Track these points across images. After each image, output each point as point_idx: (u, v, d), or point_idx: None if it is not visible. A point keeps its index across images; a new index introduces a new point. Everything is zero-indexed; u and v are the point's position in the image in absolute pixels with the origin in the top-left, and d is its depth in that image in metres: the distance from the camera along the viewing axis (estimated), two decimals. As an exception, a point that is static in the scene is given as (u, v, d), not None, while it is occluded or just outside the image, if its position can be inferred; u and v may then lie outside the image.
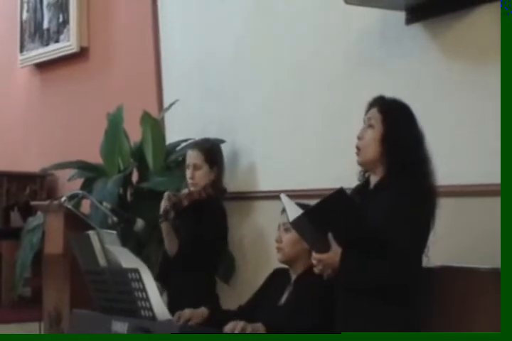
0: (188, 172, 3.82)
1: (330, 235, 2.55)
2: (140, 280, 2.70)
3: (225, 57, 4.66)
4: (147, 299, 2.70)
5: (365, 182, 2.79)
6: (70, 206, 3.77)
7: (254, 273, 4.17)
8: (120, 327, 2.78)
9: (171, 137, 4.86)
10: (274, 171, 4.23)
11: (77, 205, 4.27)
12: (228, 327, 2.81)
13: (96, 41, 6.20)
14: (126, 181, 4.66)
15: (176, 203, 3.70)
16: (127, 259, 2.81)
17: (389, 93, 2.79)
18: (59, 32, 6.50)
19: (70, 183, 5.17)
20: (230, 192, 4.03)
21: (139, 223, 3.68)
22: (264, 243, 4.18)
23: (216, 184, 3.82)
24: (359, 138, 2.75)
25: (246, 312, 3.08)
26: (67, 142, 6.28)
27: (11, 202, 6.39)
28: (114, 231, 3.12)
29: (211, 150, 3.89)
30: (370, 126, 2.73)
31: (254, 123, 4.41)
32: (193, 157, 3.83)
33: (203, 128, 4.66)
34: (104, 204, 3.70)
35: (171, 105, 4.85)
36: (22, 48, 6.99)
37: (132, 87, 5.58)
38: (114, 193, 4.38)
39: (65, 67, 6.52)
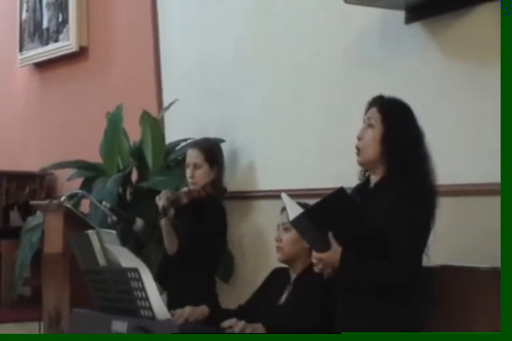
0: (188, 172, 3.82)
1: (330, 234, 2.55)
2: (139, 279, 2.69)
3: (225, 57, 4.66)
4: (147, 298, 2.70)
5: (366, 182, 2.79)
6: (69, 205, 3.76)
7: (253, 272, 4.17)
8: (120, 326, 2.77)
9: (171, 136, 4.86)
10: (274, 171, 4.23)
11: (77, 205, 4.27)
12: (227, 322, 2.81)
13: (95, 41, 6.20)
14: (125, 180, 4.66)
15: (174, 200, 3.70)
16: (127, 259, 2.81)
17: (389, 93, 2.79)
18: (58, 31, 6.50)
19: (69, 183, 5.17)
20: (230, 191, 4.04)
21: (139, 222, 3.67)
22: (263, 242, 4.18)
23: (216, 183, 3.83)
24: (359, 138, 2.75)
25: (246, 312, 3.08)
26: (67, 141, 6.28)
27: (10, 201, 6.39)
28: (114, 231, 3.11)
29: (211, 150, 3.90)
30: (370, 126, 2.73)
31: (254, 123, 4.41)
32: (193, 156, 3.83)
33: (203, 128, 4.66)
34: (104, 203, 3.69)
35: (170, 104, 4.85)
36: (21, 48, 6.99)
37: (132, 86, 5.58)
38: (113, 193, 4.38)
39: (65, 67, 6.52)
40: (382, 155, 2.70)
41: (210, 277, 3.79)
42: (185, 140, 4.65)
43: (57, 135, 6.47)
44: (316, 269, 2.63)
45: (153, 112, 4.88)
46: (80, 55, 6.29)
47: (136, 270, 2.70)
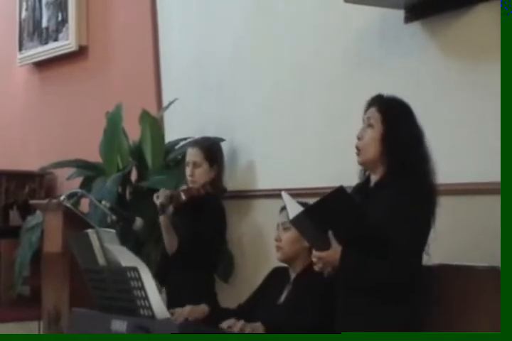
0: (188, 170, 3.82)
1: (330, 233, 2.55)
2: (139, 278, 2.69)
3: (225, 56, 4.66)
4: (146, 298, 2.70)
5: (366, 181, 2.79)
6: (69, 205, 3.76)
7: (253, 271, 4.17)
8: (119, 325, 2.77)
9: (170, 136, 4.86)
10: (274, 170, 4.23)
11: (76, 204, 4.27)
12: (225, 323, 2.81)
13: (95, 40, 6.20)
14: (125, 180, 4.66)
15: (172, 197, 3.70)
16: (126, 258, 2.81)
17: (389, 92, 2.79)
18: (58, 30, 6.50)
19: (69, 182, 5.17)
20: (229, 190, 4.03)
21: (138, 222, 3.67)
22: (263, 241, 4.18)
23: (216, 182, 3.83)
24: (359, 138, 2.75)
25: (245, 311, 3.08)
26: (66, 141, 6.28)
27: (9, 200, 6.39)
28: (113, 230, 3.11)
29: (211, 149, 3.90)
30: (370, 125, 2.73)
31: (254, 122, 4.41)
32: (193, 155, 3.83)
33: (202, 127, 4.65)
34: (103, 202, 3.69)
35: (170, 104, 4.85)
36: (21, 47, 6.98)
37: (131, 85, 5.57)
38: (113, 192, 4.38)
39: (64, 66, 6.51)
40: (382, 155, 2.70)
41: (209, 276, 3.79)
42: (184, 139, 4.65)
43: (56, 134, 6.47)
44: (316, 268, 2.63)
45: (153, 111, 4.88)
46: (79, 54, 6.28)
47: (135, 269, 2.69)
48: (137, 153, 4.74)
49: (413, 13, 3.42)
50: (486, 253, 2.88)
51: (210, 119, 4.69)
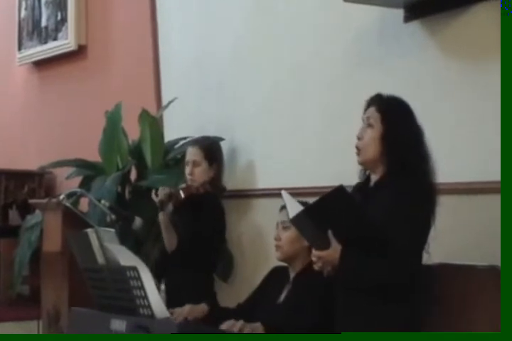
0: (187, 169, 3.82)
1: (330, 232, 2.55)
2: (138, 278, 2.69)
3: (224, 56, 4.66)
4: (146, 297, 2.69)
5: (366, 180, 2.79)
6: (68, 204, 3.76)
7: (252, 271, 4.17)
8: (119, 325, 2.77)
9: (170, 135, 4.86)
10: (274, 170, 4.23)
11: (76, 203, 4.27)
12: (224, 325, 2.81)
13: (94, 39, 6.20)
14: (124, 179, 4.65)
15: (171, 195, 3.70)
16: (125, 257, 2.80)
17: (388, 92, 2.79)
18: (57, 30, 6.49)
19: (68, 181, 5.17)
20: (229, 189, 4.04)
21: (138, 221, 3.67)
22: (262, 241, 4.17)
23: (215, 181, 3.83)
24: (359, 138, 2.75)
25: (245, 311, 3.08)
26: (66, 140, 6.27)
27: (9, 200, 6.38)
28: (113, 229, 3.10)
29: (211, 148, 3.90)
30: (369, 125, 2.73)
31: (253, 122, 4.40)
32: (192, 154, 3.84)
33: (202, 127, 4.65)
34: (103, 202, 3.69)
35: (169, 103, 4.85)
36: (20, 46, 6.98)
37: (131, 85, 5.57)
38: (112, 191, 4.38)
39: (63, 65, 6.51)
40: (382, 155, 2.70)
41: (208, 275, 3.79)
42: (184, 138, 4.65)
43: (56, 133, 6.47)
44: (316, 267, 2.62)
45: (152, 111, 4.88)
46: (78, 53, 6.28)
47: (135, 268, 2.69)
48: (137, 152, 4.74)
49: (412, 13, 3.42)
50: (486, 253, 2.88)
51: (210, 119, 4.69)
